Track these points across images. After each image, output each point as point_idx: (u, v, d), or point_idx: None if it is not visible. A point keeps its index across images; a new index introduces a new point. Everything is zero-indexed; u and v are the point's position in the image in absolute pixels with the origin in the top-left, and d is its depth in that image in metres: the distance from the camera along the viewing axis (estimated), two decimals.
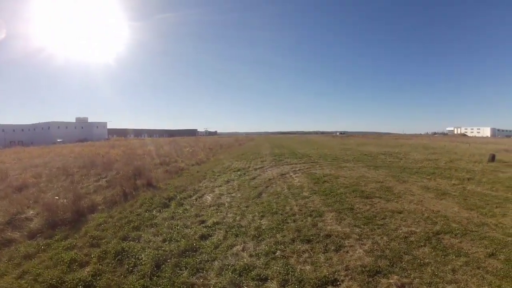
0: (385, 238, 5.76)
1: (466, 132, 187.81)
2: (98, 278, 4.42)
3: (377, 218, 6.93)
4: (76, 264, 4.83)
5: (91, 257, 5.06)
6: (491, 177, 12.76)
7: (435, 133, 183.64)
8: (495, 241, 5.61)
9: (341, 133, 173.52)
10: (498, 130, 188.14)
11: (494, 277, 4.29)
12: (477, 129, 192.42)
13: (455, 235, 5.88)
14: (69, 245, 5.60)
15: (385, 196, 9.20)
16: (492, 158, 19.30)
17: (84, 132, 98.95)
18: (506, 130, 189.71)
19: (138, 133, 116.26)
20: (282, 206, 8.08)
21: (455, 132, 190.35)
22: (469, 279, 4.22)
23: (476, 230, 6.21)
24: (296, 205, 8.14)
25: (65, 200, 7.91)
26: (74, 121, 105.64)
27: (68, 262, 4.84)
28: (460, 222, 6.71)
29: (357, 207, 7.87)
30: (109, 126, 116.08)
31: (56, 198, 8.24)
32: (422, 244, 5.45)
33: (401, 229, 6.22)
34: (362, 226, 6.41)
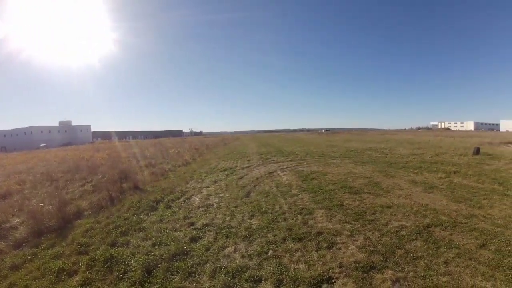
0: (376, 233, 5.78)
1: (450, 126, 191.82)
2: (87, 287, 4.30)
3: (367, 214, 6.97)
4: (65, 273, 4.71)
5: (80, 266, 4.93)
6: (476, 170, 13.01)
7: (419, 128, 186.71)
8: (485, 232, 5.71)
9: (326, 130, 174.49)
10: (481, 123, 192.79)
11: (487, 267, 4.36)
12: (461, 123, 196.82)
13: (445, 228, 5.96)
14: (56, 254, 5.46)
15: (374, 191, 9.26)
16: (477, 151, 19.69)
17: (68, 136, 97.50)
18: (489, 124, 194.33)
19: (123, 135, 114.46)
20: (271, 205, 8.04)
21: (439, 127, 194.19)
22: (462, 271, 4.28)
23: (465, 222, 6.31)
24: (286, 204, 8.11)
25: (50, 207, 7.70)
26: (57, 124, 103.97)
27: (56, 272, 4.72)
28: (449, 214, 6.80)
29: (347, 203, 7.90)
30: (93, 129, 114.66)
31: (41, 205, 8.01)
32: (413, 237, 5.49)
33: (391, 224, 6.27)
34: (353, 222, 6.42)
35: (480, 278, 4.10)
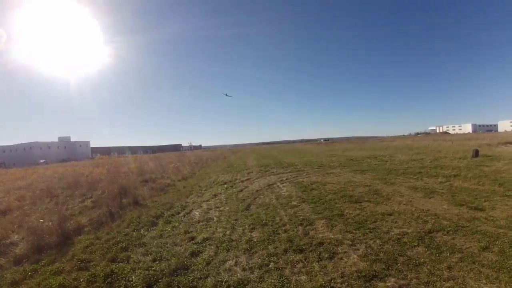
0: (378, 241, 5.74)
1: (448, 130, 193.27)
2: None
3: (368, 222, 6.92)
4: None
5: (80, 282, 4.89)
6: (476, 172, 13.02)
7: (418, 133, 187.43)
8: (487, 234, 5.70)
9: (325, 139, 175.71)
10: (479, 125, 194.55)
11: (490, 269, 4.34)
12: (459, 126, 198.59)
13: (447, 232, 5.95)
14: (56, 270, 5.42)
15: (374, 199, 9.23)
16: (476, 153, 19.75)
17: (67, 151, 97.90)
18: (487, 125, 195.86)
19: (122, 150, 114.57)
20: (271, 217, 7.99)
21: (437, 131, 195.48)
22: (466, 275, 4.25)
23: (467, 225, 6.30)
24: (286, 215, 8.06)
25: (50, 223, 7.68)
26: (56, 140, 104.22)
27: None
28: (450, 218, 6.79)
29: (347, 212, 7.86)
30: (92, 145, 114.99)
31: (41, 221, 8.02)
32: (415, 244, 5.45)
33: (393, 231, 6.23)
34: (354, 231, 6.38)
35: (484, 281, 4.07)
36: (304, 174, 16.79)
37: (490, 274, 4.22)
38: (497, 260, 4.61)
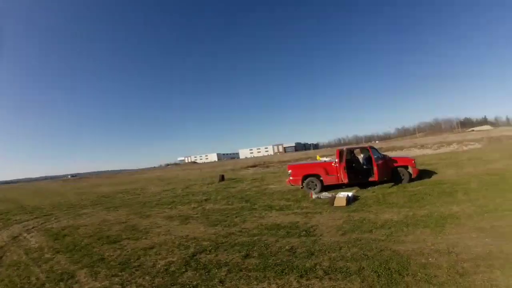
0: (147, 277, 5.75)
1: (196, 159, 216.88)
2: None
3: (132, 260, 6.81)
4: None
5: None
6: (224, 194, 15.37)
7: (168, 164, 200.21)
8: (245, 244, 7.01)
9: (72, 175, 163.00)
10: (223, 154, 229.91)
11: (257, 272, 5.32)
12: (205, 155, 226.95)
13: (209, 251, 6.73)
14: None
15: (133, 235, 9.19)
16: (222, 178, 23.21)
17: None
18: (230, 153, 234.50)
19: None
20: (26, 278, 6.58)
21: (186, 161, 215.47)
22: (237, 283, 5.05)
23: (225, 240, 7.42)
24: (42, 272, 6.82)
25: None
26: None
27: None
28: (209, 238, 7.73)
29: (108, 255, 7.46)
30: None
31: None
32: (183, 270, 5.83)
33: (159, 263, 6.40)
34: (120, 274, 6.12)
35: (255, 282, 4.96)
36: (53, 218, 14.74)
37: (257, 275, 5.15)
38: (260, 262, 5.69)
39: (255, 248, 6.60)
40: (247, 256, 6.20)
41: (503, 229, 6.45)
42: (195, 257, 6.48)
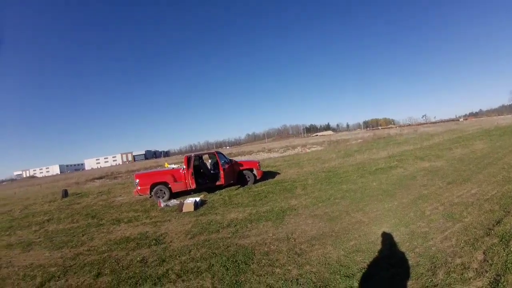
0: None
1: (36, 173, 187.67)
2: None
3: None
4: None
5: None
6: (68, 212, 13.83)
7: (2, 181, 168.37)
8: (98, 263, 6.45)
9: None
10: (67, 165, 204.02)
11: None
12: (46, 168, 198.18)
13: (58, 277, 6.09)
14: None
15: None
16: (65, 193, 20.75)
17: None
18: (75, 164, 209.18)
19: None
20: None
21: (24, 175, 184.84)
22: None
23: (74, 263, 6.78)
24: None
25: None
26: None
27: None
28: (56, 263, 6.94)
29: None
30: None
31: None
32: None
33: None
34: None
35: None
36: None
37: None
38: (113, 279, 5.55)
39: (106, 265, 6.29)
40: (98, 275, 5.87)
41: (334, 213, 7.83)
42: (43, 287, 5.81)
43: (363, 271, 4.61)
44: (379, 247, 5.42)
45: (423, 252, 4.97)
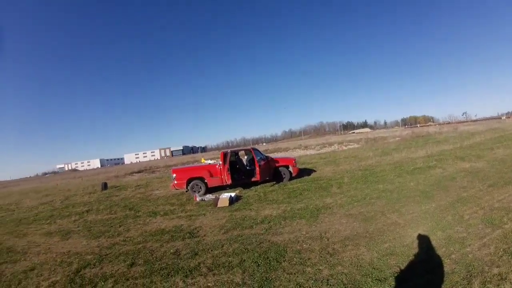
0: None
1: (77, 166, 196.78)
2: None
3: (13, 287, 5.97)
4: None
5: None
6: (107, 203, 14.38)
7: (45, 173, 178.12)
8: (129, 253, 6.69)
9: None
10: (107, 160, 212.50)
11: (144, 279, 5.17)
12: (87, 162, 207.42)
13: (94, 265, 6.35)
14: None
15: (10, 258, 7.91)
16: (105, 186, 21.60)
17: None
18: (115, 159, 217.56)
19: None
20: None
21: (66, 169, 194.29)
22: None
23: (109, 252, 7.04)
24: None
25: None
26: None
27: None
28: (93, 252, 7.24)
29: None
30: None
31: None
32: (68, 287, 5.47)
33: (42, 285, 5.77)
34: None
35: None
36: None
37: (144, 282, 5.16)
38: (146, 269, 5.69)
39: (140, 256, 6.48)
40: (132, 264, 6.05)
41: (369, 214, 7.61)
42: (79, 273, 6.04)
43: (396, 275, 4.42)
44: (414, 251, 5.19)
45: (459, 259, 4.70)
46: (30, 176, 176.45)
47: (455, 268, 4.42)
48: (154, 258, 6.23)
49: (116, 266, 6.11)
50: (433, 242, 5.42)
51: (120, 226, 9.41)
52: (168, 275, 5.34)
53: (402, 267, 4.63)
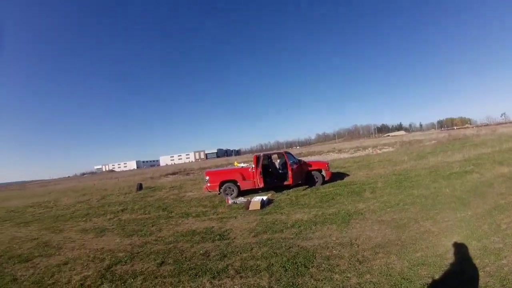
0: None
1: (114, 167, 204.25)
2: None
3: (45, 279, 6.22)
4: None
5: None
6: (142, 203, 14.79)
7: (84, 174, 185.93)
8: (160, 252, 6.81)
9: None
10: (143, 161, 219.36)
11: (171, 278, 5.22)
12: (124, 163, 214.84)
13: (125, 262, 6.51)
14: None
15: (46, 252, 8.37)
16: (140, 187, 22.20)
17: None
18: (150, 161, 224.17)
19: None
20: None
21: (104, 169, 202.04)
22: None
23: (141, 250, 7.19)
24: None
25: None
26: None
27: None
28: (125, 249, 7.45)
29: (21, 275, 6.70)
30: None
31: None
32: (99, 282, 5.58)
33: (74, 279, 5.98)
34: None
35: (170, 287, 5.04)
36: None
37: (172, 281, 5.20)
38: (175, 268, 5.74)
39: (170, 255, 6.57)
40: (162, 263, 6.15)
41: (402, 220, 7.30)
42: (110, 269, 6.22)
43: (426, 287, 4.20)
44: (447, 261, 4.89)
45: (494, 271, 4.38)
46: (69, 176, 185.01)
47: (488, 282, 4.12)
48: (184, 258, 6.30)
49: (146, 264, 6.23)
50: (468, 253, 5.10)
51: (152, 226, 9.63)
52: (196, 275, 5.36)
53: (434, 279, 4.37)
